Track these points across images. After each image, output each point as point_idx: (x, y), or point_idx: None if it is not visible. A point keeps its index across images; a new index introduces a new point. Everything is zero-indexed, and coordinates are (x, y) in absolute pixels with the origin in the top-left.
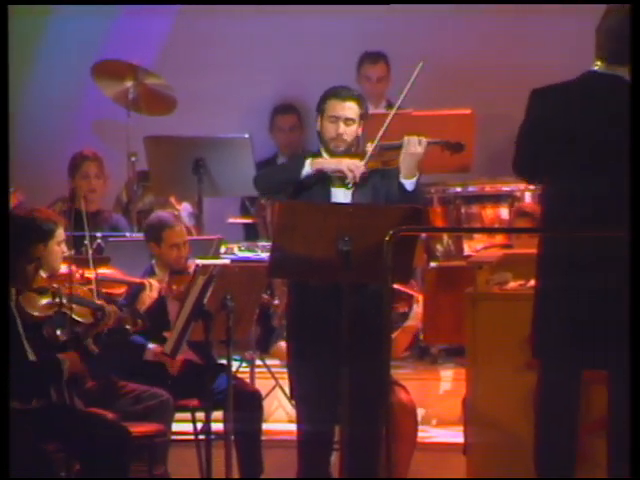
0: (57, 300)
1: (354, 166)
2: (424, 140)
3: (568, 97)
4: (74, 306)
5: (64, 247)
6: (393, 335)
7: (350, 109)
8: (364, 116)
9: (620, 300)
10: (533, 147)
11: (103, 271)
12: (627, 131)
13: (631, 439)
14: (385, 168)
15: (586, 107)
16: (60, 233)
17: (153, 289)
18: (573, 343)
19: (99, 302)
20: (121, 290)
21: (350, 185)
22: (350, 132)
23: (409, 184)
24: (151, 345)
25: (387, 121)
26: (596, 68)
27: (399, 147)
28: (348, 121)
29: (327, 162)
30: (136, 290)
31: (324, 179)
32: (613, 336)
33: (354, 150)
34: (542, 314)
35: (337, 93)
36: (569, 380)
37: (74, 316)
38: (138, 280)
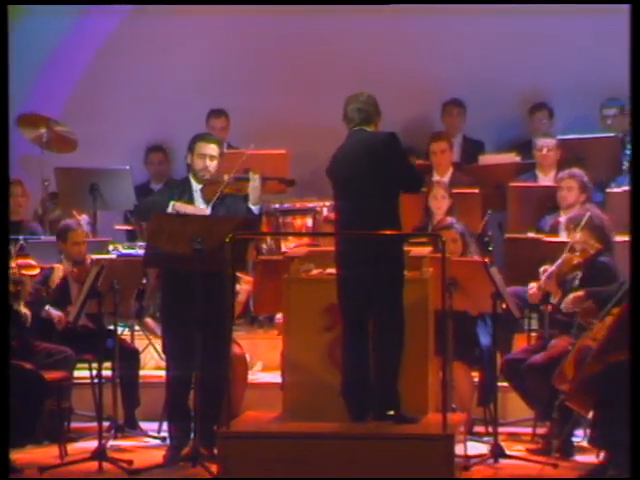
0: None
1: (200, 210)
2: (260, 177)
3: (341, 150)
4: None
5: None
6: None
7: (213, 149)
8: (222, 154)
9: (384, 279)
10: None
11: (23, 260)
12: (379, 165)
13: (632, 439)
14: (236, 194)
15: (350, 154)
16: None
17: (60, 272)
18: (360, 306)
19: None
20: (35, 272)
21: (208, 203)
22: (213, 165)
23: (256, 209)
24: (53, 310)
25: (241, 160)
26: (354, 129)
27: (247, 179)
28: (212, 157)
29: (183, 207)
30: (47, 273)
31: (191, 198)
32: (379, 298)
33: (215, 178)
34: (341, 289)
35: (204, 137)
36: (363, 329)
37: None
38: (48, 265)
